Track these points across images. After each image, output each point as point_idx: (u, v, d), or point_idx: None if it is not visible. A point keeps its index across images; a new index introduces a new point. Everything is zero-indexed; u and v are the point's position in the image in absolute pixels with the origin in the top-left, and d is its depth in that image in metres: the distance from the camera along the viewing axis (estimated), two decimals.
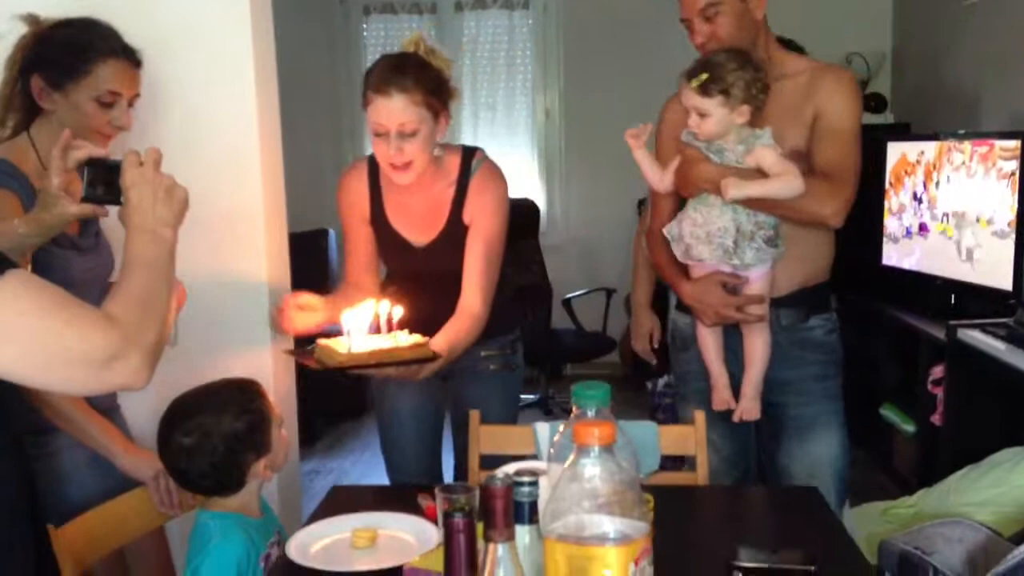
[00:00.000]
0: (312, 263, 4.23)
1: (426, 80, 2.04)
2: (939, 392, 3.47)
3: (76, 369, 1.18)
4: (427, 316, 2.16)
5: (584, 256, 5.71)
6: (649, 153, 2.16)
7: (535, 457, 1.99)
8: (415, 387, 2.22)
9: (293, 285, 2.48)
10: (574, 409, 1.20)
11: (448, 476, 2.43)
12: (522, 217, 5.36)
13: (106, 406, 1.99)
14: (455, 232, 2.17)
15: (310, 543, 1.67)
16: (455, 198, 2.17)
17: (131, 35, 1.89)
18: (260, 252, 2.33)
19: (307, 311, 2.14)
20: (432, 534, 1.63)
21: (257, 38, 2.30)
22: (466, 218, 2.17)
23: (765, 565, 1.48)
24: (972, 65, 4.22)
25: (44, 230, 1.60)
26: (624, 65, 5.41)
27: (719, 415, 2.13)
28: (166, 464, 1.74)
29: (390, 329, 2.00)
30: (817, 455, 2.13)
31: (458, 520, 0.95)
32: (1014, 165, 3.17)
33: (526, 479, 1.11)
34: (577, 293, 5.21)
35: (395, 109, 2.00)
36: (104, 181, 1.47)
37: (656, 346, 2.97)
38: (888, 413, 3.91)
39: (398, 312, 2.01)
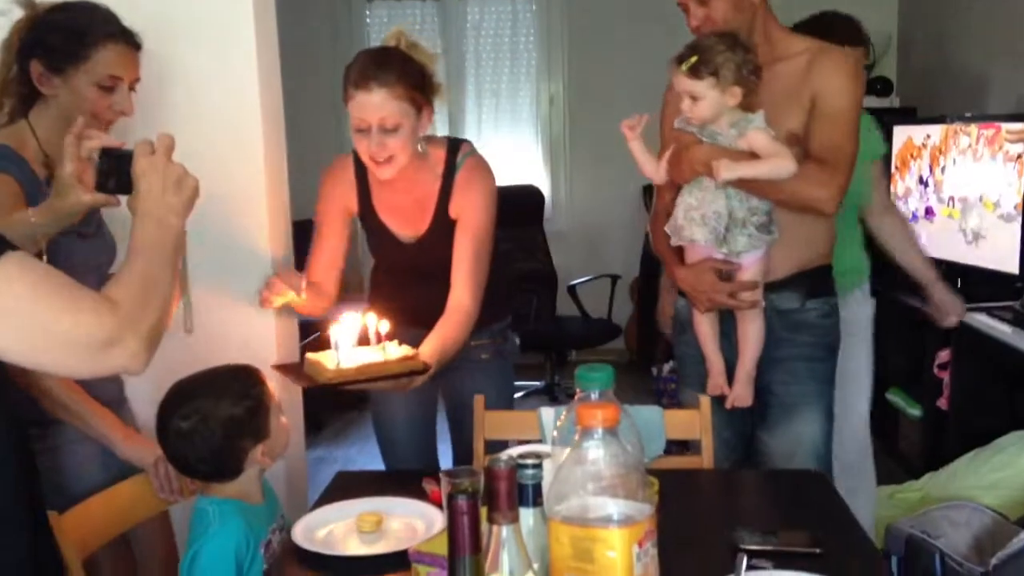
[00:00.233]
0: None
1: (408, 74, 2.01)
2: (945, 376, 3.46)
3: (73, 352, 1.18)
4: (418, 310, 2.16)
5: (589, 243, 5.70)
6: (644, 144, 2.14)
7: (540, 442, 2.00)
8: None
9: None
10: (577, 392, 1.20)
11: (446, 466, 2.43)
12: (526, 204, 5.36)
13: (113, 398, 1.99)
14: (443, 227, 2.15)
15: (315, 528, 1.67)
16: (441, 193, 2.14)
17: (131, 19, 1.87)
18: (263, 236, 2.33)
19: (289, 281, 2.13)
20: (437, 519, 1.64)
21: (260, 24, 2.29)
22: (452, 213, 2.15)
23: (770, 547, 1.49)
24: (978, 48, 4.19)
25: (57, 219, 1.59)
26: (628, 51, 5.39)
27: (718, 399, 2.12)
28: (164, 449, 1.73)
29: (379, 341, 1.96)
30: (797, 436, 2.12)
31: (462, 501, 0.95)
32: (1021, 148, 3.15)
33: (530, 461, 1.11)
34: (582, 280, 5.20)
35: (376, 104, 1.97)
36: (117, 171, 1.47)
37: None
38: (894, 397, 3.91)
39: (385, 327, 1.97)
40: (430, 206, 2.15)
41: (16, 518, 1.31)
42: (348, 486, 1.89)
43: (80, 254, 1.84)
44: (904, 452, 3.86)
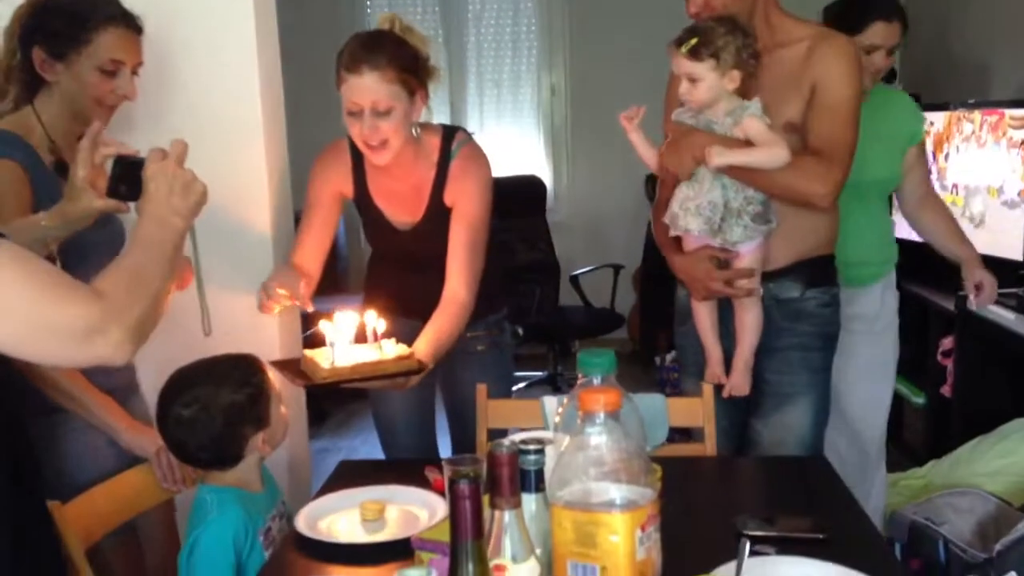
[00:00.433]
0: None
1: (400, 57, 1.99)
2: (949, 363, 3.46)
3: (56, 340, 1.19)
4: (414, 300, 2.15)
5: (591, 232, 5.69)
6: (644, 135, 2.13)
7: (542, 431, 1.99)
8: None
9: None
10: (579, 377, 1.20)
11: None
12: (529, 194, 5.35)
13: (124, 386, 2.00)
14: (437, 215, 2.13)
15: (319, 516, 1.67)
16: (436, 180, 2.13)
17: (131, 3, 1.87)
18: (265, 228, 2.33)
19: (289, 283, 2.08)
20: (439, 507, 1.64)
21: (260, 15, 2.29)
22: (447, 201, 2.13)
23: (775, 533, 1.49)
24: (982, 34, 4.17)
25: (68, 223, 1.60)
26: (630, 41, 5.37)
27: (717, 388, 2.12)
28: (165, 437, 1.73)
29: (376, 339, 1.95)
30: (788, 425, 2.10)
31: (464, 486, 0.95)
32: None
33: (532, 447, 1.11)
34: (585, 269, 5.19)
35: (367, 87, 1.95)
36: (129, 178, 1.49)
37: None
38: (898, 385, 3.89)
39: (382, 326, 1.97)
40: (425, 193, 2.14)
41: None
42: (351, 475, 1.89)
43: (87, 241, 1.84)
44: (908, 439, 3.85)
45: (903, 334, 2.74)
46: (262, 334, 2.27)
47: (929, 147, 3.71)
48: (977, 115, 3.43)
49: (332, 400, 4.68)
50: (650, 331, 5.29)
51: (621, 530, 1.05)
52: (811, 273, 2.10)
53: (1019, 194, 3.18)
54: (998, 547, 2.21)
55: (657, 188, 2.37)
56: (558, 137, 5.76)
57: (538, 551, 1.07)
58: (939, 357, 3.50)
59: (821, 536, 1.49)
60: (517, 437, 1.51)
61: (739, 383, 2.07)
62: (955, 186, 3.55)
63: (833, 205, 2.01)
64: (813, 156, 1.96)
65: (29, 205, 1.74)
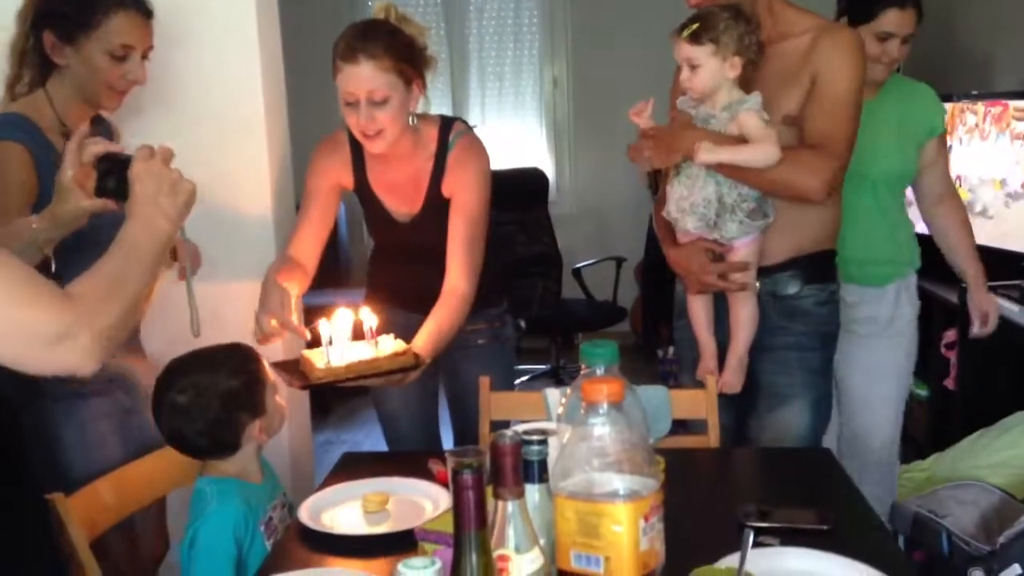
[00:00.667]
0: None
1: (396, 47, 1.98)
2: (952, 356, 3.45)
3: (22, 343, 1.15)
4: (415, 292, 2.15)
5: (594, 225, 5.69)
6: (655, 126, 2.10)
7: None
8: None
9: None
10: (582, 368, 1.19)
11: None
12: (531, 187, 5.35)
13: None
14: (436, 206, 2.13)
15: (322, 508, 1.67)
16: (433, 172, 2.12)
17: None
18: (267, 224, 2.33)
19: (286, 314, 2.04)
20: (443, 499, 1.63)
21: (262, 9, 2.30)
22: (445, 192, 2.12)
23: (778, 524, 1.48)
24: (984, 25, 4.16)
25: (58, 225, 1.59)
26: (633, 33, 5.36)
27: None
28: (160, 426, 1.73)
29: (372, 336, 1.94)
30: (784, 427, 2.07)
31: (467, 476, 0.95)
32: None
33: (535, 438, 1.11)
34: (587, 262, 5.19)
35: (363, 76, 1.94)
36: (117, 176, 1.48)
37: None
38: None
39: (377, 322, 1.96)
40: (423, 184, 2.13)
41: None
42: (354, 467, 1.89)
43: (90, 228, 1.84)
44: (911, 432, 3.84)
45: None
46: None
47: None
48: (980, 107, 3.42)
49: (335, 394, 4.68)
50: (652, 324, 5.28)
51: (624, 520, 1.05)
52: (810, 269, 2.06)
53: (1022, 186, 3.17)
54: (1001, 540, 2.21)
55: (660, 181, 2.36)
56: (560, 129, 5.75)
57: (542, 541, 1.06)
58: (942, 349, 3.50)
59: (825, 528, 1.49)
60: (520, 428, 1.51)
61: (732, 380, 2.05)
62: (959, 178, 3.54)
63: (828, 200, 1.97)
64: (808, 149, 1.93)
65: (33, 188, 1.75)
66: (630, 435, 1.09)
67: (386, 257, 2.33)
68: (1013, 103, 3.26)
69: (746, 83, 1.95)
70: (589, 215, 5.72)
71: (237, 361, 1.74)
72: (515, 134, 5.74)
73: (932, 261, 3.69)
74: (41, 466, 1.81)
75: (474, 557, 0.96)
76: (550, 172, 5.66)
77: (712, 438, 2.03)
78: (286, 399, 1.93)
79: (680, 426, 2.16)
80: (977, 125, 3.44)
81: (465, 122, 2.21)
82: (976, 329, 2.63)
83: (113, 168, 1.49)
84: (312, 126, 2.41)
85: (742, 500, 1.58)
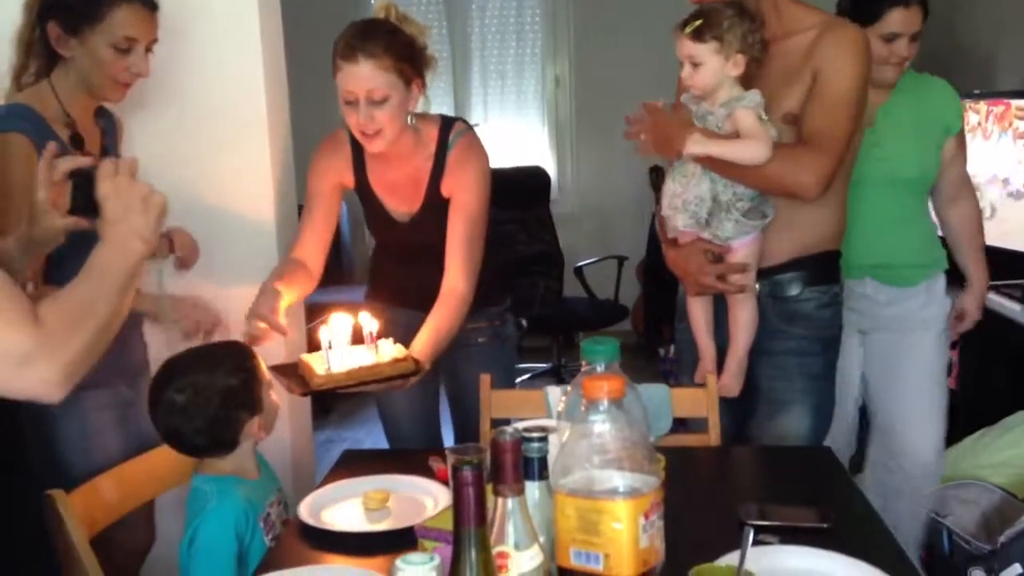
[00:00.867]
0: None
1: (396, 46, 1.97)
2: (954, 355, 3.44)
3: None
4: (416, 291, 2.15)
5: (595, 224, 5.68)
6: None
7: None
8: None
9: None
10: (583, 365, 1.19)
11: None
12: (533, 185, 5.35)
13: (138, 364, 2.01)
14: (435, 205, 2.12)
15: (322, 505, 1.67)
16: (433, 171, 2.12)
17: None
18: (269, 222, 2.33)
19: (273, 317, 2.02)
20: (443, 496, 1.63)
21: (264, 8, 2.29)
22: (445, 192, 2.12)
23: (778, 523, 1.48)
24: (987, 24, 4.15)
25: (34, 246, 1.57)
26: (635, 31, 5.36)
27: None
28: (157, 425, 1.72)
29: (372, 341, 1.94)
30: (784, 432, 2.04)
31: (467, 473, 0.95)
32: None
33: (535, 435, 1.11)
34: (588, 261, 5.19)
35: (363, 75, 1.94)
36: (88, 191, 1.41)
37: None
38: None
39: (376, 325, 1.95)
40: (422, 184, 2.13)
41: None
42: (355, 464, 1.89)
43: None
44: None
45: None
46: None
47: None
48: (983, 106, 3.41)
49: (336, 392, 4.68)
50: (654, 323, 5.28)
51: (624, 517, 1.05)
52: (811, 270, 2.02)
53: None
54: (1002, 539, 2.22)
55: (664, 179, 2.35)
56: (562, 128, 5.75)
57: (541, 539, 1.06)
58: None
59: (825, 526, 1.49)
60: (520, 425, 1.51)
61: (730, 384, 2.03)
62: None
63: (821, 197, 1.92)
64: (802, 146, 1.91)
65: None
66: (630, 432, 1.09)
67: (387, 256, 2.33)
68: (1015, 102, 3.25)
69: (749, 81, 1.92)
70: (591, 214, 5.72)
71: (235, 359, 1.75)
72: (517, 133, 5.73)
73: None
74: (39, 459, 1.82)
75: (474, 554, 0.96)
76: (552, 171, 5.66)
77: (712, 437, 2.02)
78: (286, 397, 1.94)
79: (680, 424, 2.16)
80: (979, 124, 3.43)
81: (466, 122, 2.21)
82: (951, 325, 2.57)
83: (85, 184, 1.42)
84: (314, 123, 2.42)
85: (742, 498, 1.58)
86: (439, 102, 5.57)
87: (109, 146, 2.01)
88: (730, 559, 1.23)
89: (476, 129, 2.23)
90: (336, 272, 4.28)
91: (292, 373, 1.96)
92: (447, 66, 5.63)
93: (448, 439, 2.45)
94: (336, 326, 1.93)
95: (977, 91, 3.60)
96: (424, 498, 1.67)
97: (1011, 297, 3.01)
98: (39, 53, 1.86)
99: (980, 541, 2.45)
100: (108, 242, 1.31)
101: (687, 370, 2.19)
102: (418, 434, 2.34)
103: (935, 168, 2.42)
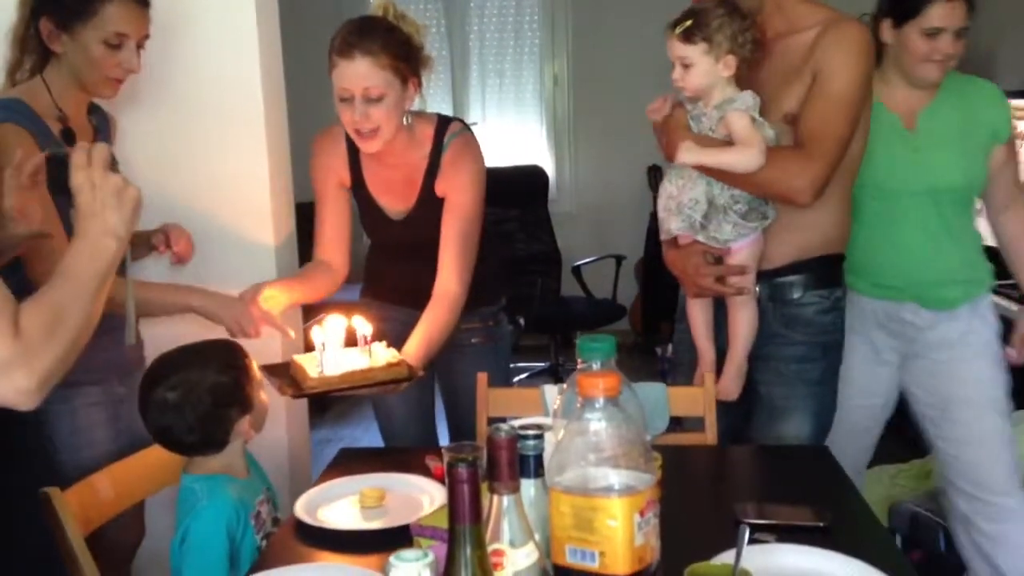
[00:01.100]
0: None
1: (393, 44, 1.97)
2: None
3: None
4: (409, 290, 2.15)
5: (593, 223, 5.68)
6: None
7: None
8: None
9: (304, 256, 2.47)
10: (579, 362, 1.19)
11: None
12: (531, 184, 5.35)
13: (134, 360, 2.02)
14: (429, 204, 2.12)
15: (319, 503, 1.67)
16: (427, 171, 2.11)
17: None
18: (266, 216, 2.33)
19: (271, 301, 2.06)
20: (439, 494, 1.63)
21: (261, 3, 2.28)
22: (439, 192, 2.12)
23: (775, 521, 1.48)
24: (987, 24, 4.14)
25: None
26: (633, 30, 5.35)
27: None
28: (148, 422, 1.72)
29: (365, 344, 1.94)
30: (782, 438, 2.03)
31: (462, 469, 0.94)
32: None
33: (531, 432, 1.10)
34: (586, 260, 5.19)
35: (359, 73, 1.93)
36: (64, 178, 1.38)
37: None
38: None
39: (369, 329, 1.95)
40: (417, 182, 2.13)
41: None
42: (351, 462, 1.89)
43: None
44: (908, 431, 3.84)
45: None
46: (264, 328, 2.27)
47: None
48: None
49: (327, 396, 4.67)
50: (652, 322, 5.28)
51: (619, 515, 1.05)
52: (813, 273, 2.00)
53: None
54: None
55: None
56: (560, 127, 5.75)
57: (537, 536, 1.06)
58: None
59: (821, 525, 1.48)
60: (516, 422, 1.51)
61: (729, 388, 2.01)
62: None
63: (812, 202, 1.88)
64: (793, 149, 1.87)
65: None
66: (626, 430, 1.09)
67: (382, 254, 2.33)
68: (1015, 102, 3.24)
69: (749, 81, 1.90)
70: (589, 213, 5.72)
71: (226, 356, 1.74)
72: (515, 132, 5.73)
73: None
74: (30, 455, 1.81)
75: (469, 551, 0.96)
76: (550, 170, 5.66)
77: (710, 436, 2.02)
78: (283, 397, 1.93)
79: (675, 423, 2.16)
80: None
81: (463, 122, 2.20)
82: (1014, 354, 2.32)
83: (59, 166, 1.39)
84: (312, 120, 2.40)
85: (739, 497, 1.57)
86: (438, 101, 5.57)
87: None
88: (726, 557, 1.23)
89: (474, 128, 2.23)
90: None
91: (284, 374, 1.96)
92: (446, 65, 5.63)
93: (444, 438, 2.45)
94: (329, 328, 1.93)
95: None
96: (420, 496, 1.67)
97: (1008, 296, 3.01)
98: (33, 49, 1.86)
99: None
100: (82, 238, 1.29)
101: (683, 370, 2.17)
102: (414, 433, 2.34)
103: (981, 177, 2.23)
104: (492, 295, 2.33)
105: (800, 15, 1.95)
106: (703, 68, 1.87)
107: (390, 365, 1.90)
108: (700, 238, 1.94)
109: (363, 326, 1.95)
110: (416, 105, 2.10)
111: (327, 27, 2.05)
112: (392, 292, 2.27)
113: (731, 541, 1.24)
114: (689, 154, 1.87)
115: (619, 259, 5.23)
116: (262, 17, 2.28)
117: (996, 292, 2.98)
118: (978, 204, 2.34)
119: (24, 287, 1.31)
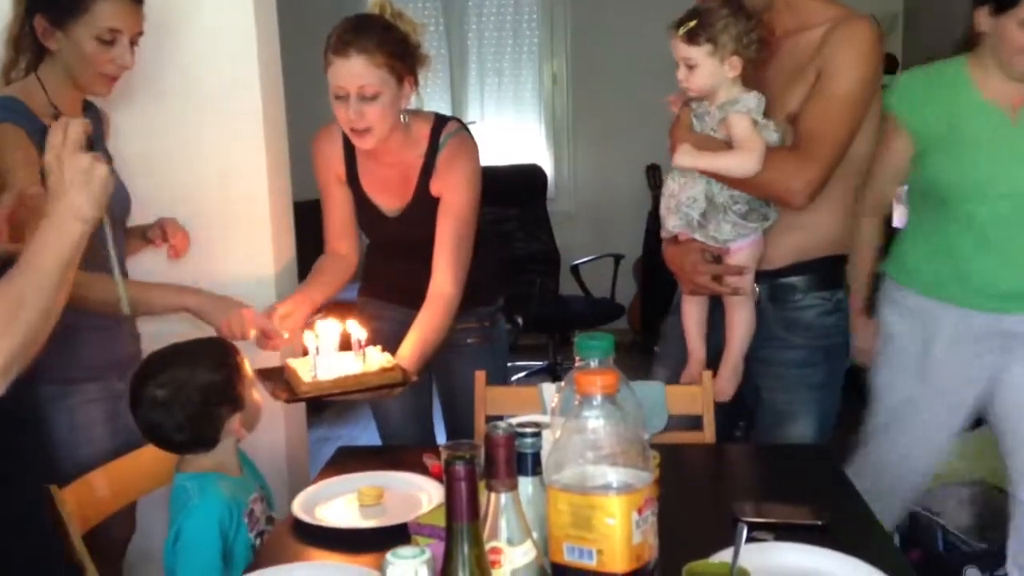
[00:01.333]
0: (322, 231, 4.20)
1: (389, 42, 1.96)
2: None
3: None
4: (405, 288, 2.15)
5: (592, 222, 5.68)
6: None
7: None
8: None
9: (303, 254, 2.47)
10: (576, 360, 1.19)
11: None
12: (529, 183, 5.35)
13: (131, 357, 2.01)
14: (424, 202, 2.12)
15: (316, 501, 1.67)
16: (423, 170, 2.11)
17: None
18: (264, 214, 2.32)
19: (288, 319, 2.07)
20: (437, 493, 1.63)
21: (259, 2, 2.28)
22: (434, 191, 2.12)
23: (773, 520, 1.48)
24: None
25: None
26: (632, 29, 5.35)
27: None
28: (138, 419, 1.72)
29: (360, 348, 1.93)
30: (786, 442, 2.01)
31: (459, 467, 0.94)
32: None
33: (529, 430, 1.10)
34: (585, 259, 5.19)
35: (354, 71, 1.93)
36: None
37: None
38: None
39: (364, 334, 1.96)
40: (412, 180, 2.13)
41: None
42: (349, 460, 1.89)
43: None
44: None
45: None
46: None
47: None
48: None
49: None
50: (650, 321, 5.27)
51: (617, 513, 1.04)
52: (814, 275, 1.98)
53: None
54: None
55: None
56: (559, 126, 5.74)
57: (535, 534, 1.06)
58: None
59: (820, 523, 1.48)
60: (514, 420, 1.51)
61: (724, 388, 2.00)
62: None
63: (807, 204, 1.86)
64: (789, 150, 1.85)
65: (37, 165, 1.75)
66: (624, 428, 1.08)
67: (378, 253, 2.34)
68: None
69: (752, 79, 1.88)
70: (588, 212, 5.72)
71: (217, 355, 1.74)
72: (514, 131, 5.73)
73: None
74: (29, 453, 1.81)
75: (466, 549, 0.96)
76: (549, 169, 5.66)
77: (708, 434, 2.02)
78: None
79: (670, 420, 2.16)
80: None
81: (460, 121, 2.20)
82: None
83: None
84: (312, 118, 2.40)
85: (737, 496, 1.57)
86: (436, 99, 5.57)
87: (95, 139, 2.01)
88: (724, 556, 1.23)
89: (473, 127, 2.23)
90: None
91: (278, 378, 1.96)
92: (444, 64, 5.63)
93: (442, 438, 2.45)
94: (323, 332, 1.93)
95: None
96: (419, 494, 1.67)
97: None
98: (28, 47, 1.86)
99: (975, 540, 2.45)
100: (47, 221, 1.26)
101: (668, 363, 2.14)
102: (411, 433, 2.34)
103: None
104: (489, 295, 2.32)
105: (810, 12, 1.91)
106: (708, 69, 1.84)
107: (384, 370, 1.90)
108: (698, 236, 1.93)
109: (357, 331, 1.95)
110: (413, 104, 2.10)
111: (326, 24, 2.04)
112: (389, 291, 2.27)
113: (729, 539, 1.24)
114: (686, 158, 1.86)
115: (618, 258, 5.23)
116: (260, 13, 2.28)
117: None
118: None
119: None
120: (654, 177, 5.17)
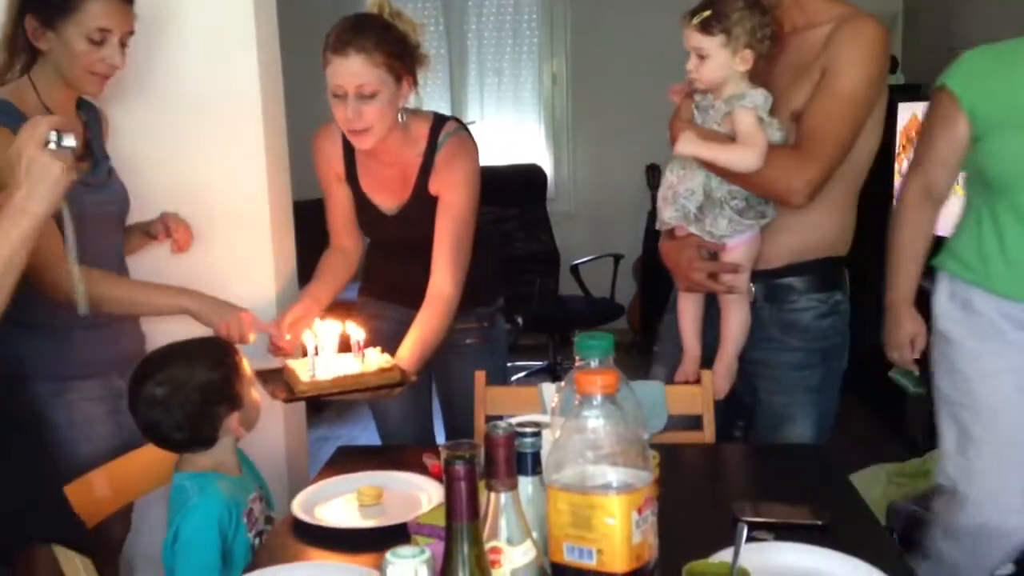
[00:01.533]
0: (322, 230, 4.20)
1: (387, 42, 1.96)
2: None
3: None
4: (405, 288, 2.15)
5: (592, 222, 5.68)
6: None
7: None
8: None
9: (303, 254, 2.47)
10: (576, 360, 1.19)
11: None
12: (529, 183, 5.35)
13: (134, 355, 2.01)
14: (422, 202, 2.12)
15: (316, 501, 1.67)
16: (421, 169, 2.11)
17: None
18: (263, 214, 2.32)
19: (299, 325, 2.07)
20: (437, 493, 1.63)
21: (259, 2, 2.28)
22: (432, 190, 2.12)
23: (773, 520, 1.48)
24: (984, 24, 4.15)
25: None
26: (632, 29, 5.36)
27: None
28: (136, 419, 1.72)
29: (359, 350, 1.94)
30: (786, 442, 2.01)
31: (459, 467, 0.94)
32: None
33: (529, 430, 1.10)
34: (585, 259, 5.19)
35: (352, 70, 1.93)
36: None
37: (918, 356, 2.15)
38: (897, 376, 3.89)
39: (363, 335, 1.96)
40: (411, 180, 2.13)
41: None
42: (349, 460, 1.89)
43: (89, 203, 1.84)
44: (907, 430, 3.85)
45: None
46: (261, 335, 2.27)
47: None
48: None
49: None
50: (650, 321, 5.27)
51: (617, 513, 1.04)
52: (812, 276, 1.97)
53: None
54: None
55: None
56: (559, 126, 5.74)
57: (535, 534, 1.06)
58: None
59: (819, 523, 1.48)
60: (514, 420, 1.51)
61: (719, 386, 2.00)
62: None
63: (806, 203, 1.84)
64: (790, 148, 1.84)
65: None
66: (624, 427, 1.08)
67: (378, 252, 2.34)
68: None
69: (758, 75, 1.87)
70: (587, 212, 5.72)
71: (215, 354, 1.74)
72: (514, 130, 5.73)
73: (930, 260, 3.66)
74: (28, 451, 1.81)
75: (466, 548, 0.96)
76: (548, 169, 5.66)
77: (708, 434, 2.02)
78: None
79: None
80: None
81: (459, 121, 2.20)
82: None
83: None
84: (311, 117, 2.40)
85: (737, 496, 1.57)
86: (436, 99, 5.57)
87: (93, 139, 2.01)
88: (724, 556, 1.23)
89: (472, 127, 2.23)
90: None
91: (277, 378, 1.96)
92: (444, 63, 5.63)
93: (441, 438, 2.45)
94: (322, 333, 1.93)
95: None
96: (418, 494, 1.67)
97: None
98: (21, 49, 1.86)
99: None
100: (4, 212, 1.28)
101: (665, 360, 2.14)
102: (411, 433, 2.34)
103: None
104: (488, 296, 2.32)
105: (817, 10, 1.90)
106: (719, 61, 1.83)
107: (382, 370, 1.90)
108: (693, 230, 1.92)
109: (356, 332, 1.95)
110: (412, 103, 2.10)
111: (325, 24, 2.04)
112: (388, 291, 2.27)
113: (729, 539, 1.24)
114: (689, 145, 1.84)
115: (617, 258, 5.23)
116: (260, 13, 2.27)
117: None
118: None
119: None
120: (654, 177, 5.17)
